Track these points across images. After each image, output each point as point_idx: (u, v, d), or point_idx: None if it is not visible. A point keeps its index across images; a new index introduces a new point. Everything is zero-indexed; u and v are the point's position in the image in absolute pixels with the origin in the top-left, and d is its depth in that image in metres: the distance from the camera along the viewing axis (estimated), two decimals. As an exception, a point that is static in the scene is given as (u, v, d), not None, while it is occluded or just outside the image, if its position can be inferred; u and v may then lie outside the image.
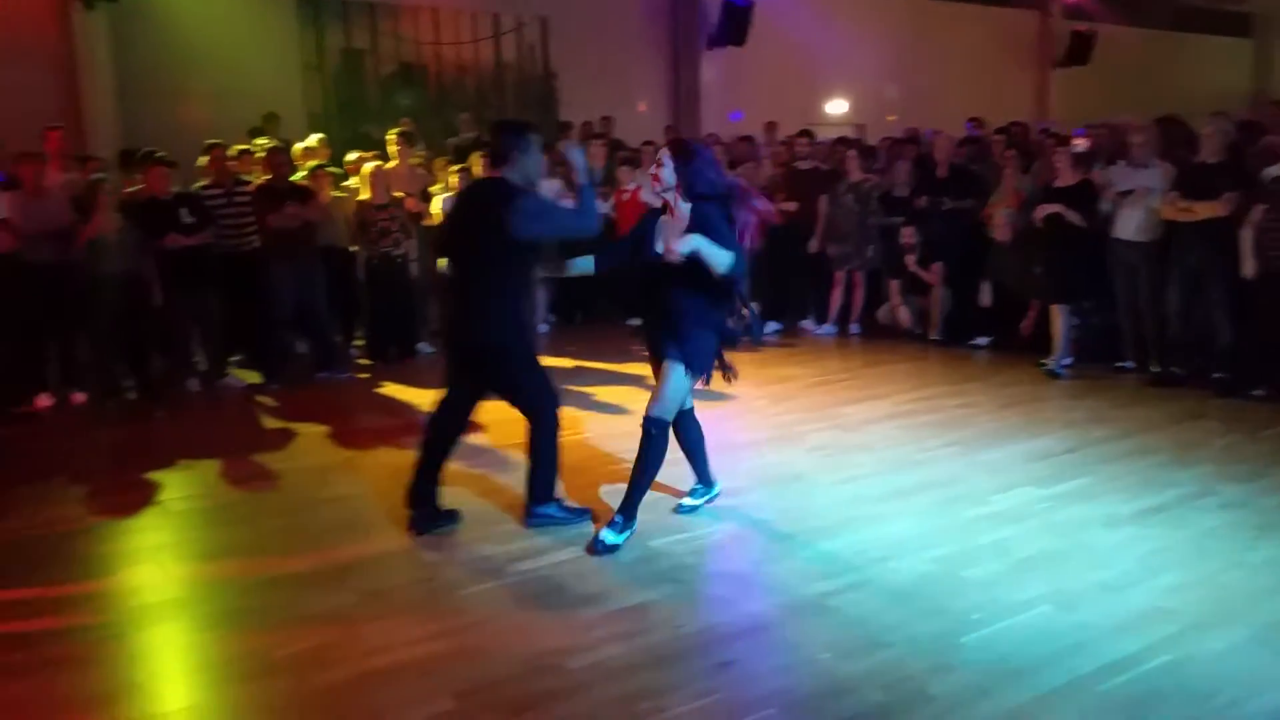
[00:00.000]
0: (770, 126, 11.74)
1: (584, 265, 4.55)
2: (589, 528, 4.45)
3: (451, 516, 4.61)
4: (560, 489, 4.60)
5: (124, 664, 3.41)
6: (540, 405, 4.42)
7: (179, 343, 7.45)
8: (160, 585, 4.03)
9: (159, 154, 7.29)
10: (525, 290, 4.42)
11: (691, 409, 4.64)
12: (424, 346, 8.61)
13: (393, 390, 7.41)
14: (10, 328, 6.65)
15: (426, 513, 4.53)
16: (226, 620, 3.70)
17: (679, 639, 3.45)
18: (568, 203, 4.86)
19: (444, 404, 4.55)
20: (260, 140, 8.86)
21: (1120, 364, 7.46)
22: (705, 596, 3.87)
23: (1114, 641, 3.38)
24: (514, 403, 4.45)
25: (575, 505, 4.63)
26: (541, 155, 4.61)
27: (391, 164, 8.59)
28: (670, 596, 3.79)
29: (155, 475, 5.43)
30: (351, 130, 11.69)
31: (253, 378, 7.71)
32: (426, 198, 8.74)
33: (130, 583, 4.07)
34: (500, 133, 4.45)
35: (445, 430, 4.57)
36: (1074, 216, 7.12)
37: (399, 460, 5.59)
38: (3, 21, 9.76)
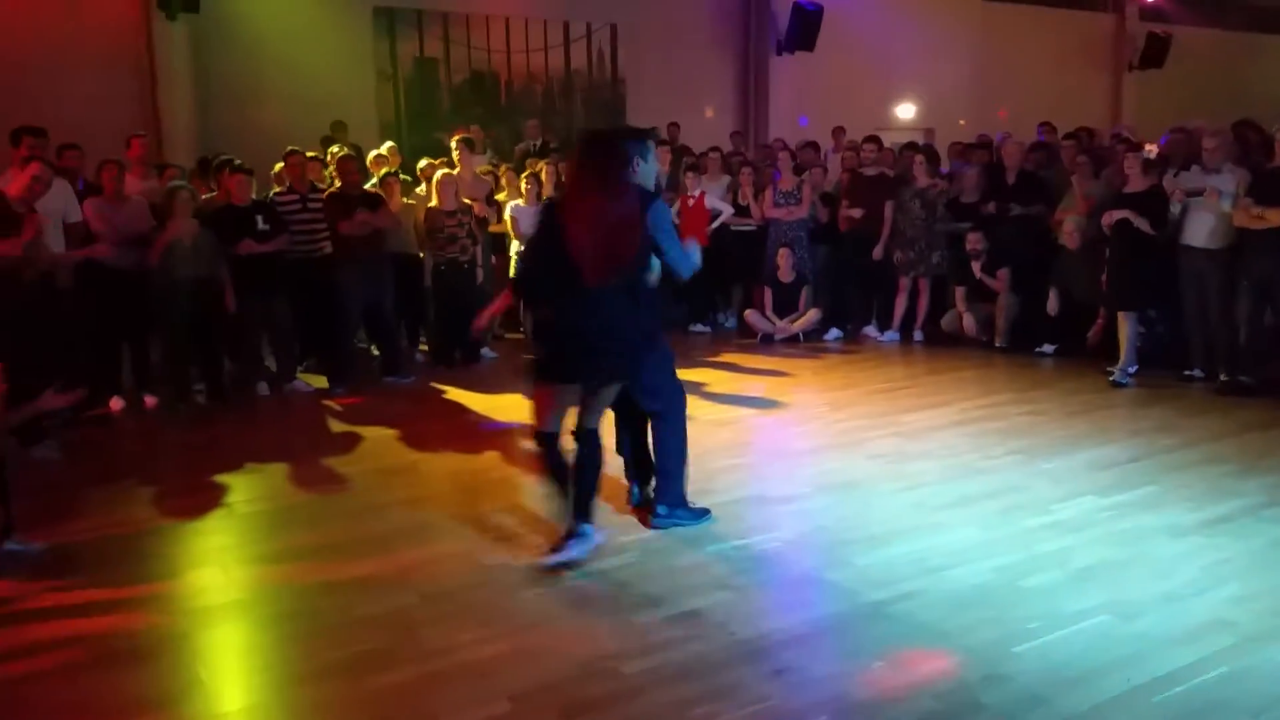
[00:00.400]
0: (838, 131, 11.70)
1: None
2: (655, 540, 4.48)
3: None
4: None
5: (187, 663, 3.50)
6: (668, 404, 4.54)
7: (250, 347, 7.65)
8: (224, 586, 4.14)
9: (237, 162, 7.52)
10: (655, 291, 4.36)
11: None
12: (487, 352, 8.74)
13: (457, 395, 7.53)
14: (87, 331, 6.85)
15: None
16: (288, 621, 3.79)
17: (733, 645, 3.48)
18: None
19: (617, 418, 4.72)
20: (333, 148, 9.08)
21: (1188, 372, 7.33)
22: (760, 603, 3.89)
23: (1171, 652, 3.34)
24: (642, 402, 4.55)
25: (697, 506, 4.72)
26: (657, 162, 4.60)
27: (457, 169, 8.74)
28: (725, 603, 3.82)
29: (223, 478, 5.57)
30: (423, 137, 11.92)
31: (320, 382, 7.89)
32: (491, 204, 8.88)
33: (195, 584, 4.18)
34: (617, 139, 4.30)
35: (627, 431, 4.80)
36: (1143, 223, 6.99)
37: (462, 464, 5.75)
38: (87, 32, 10.15)
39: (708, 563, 4.22)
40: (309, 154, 8.35)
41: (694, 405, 6.82)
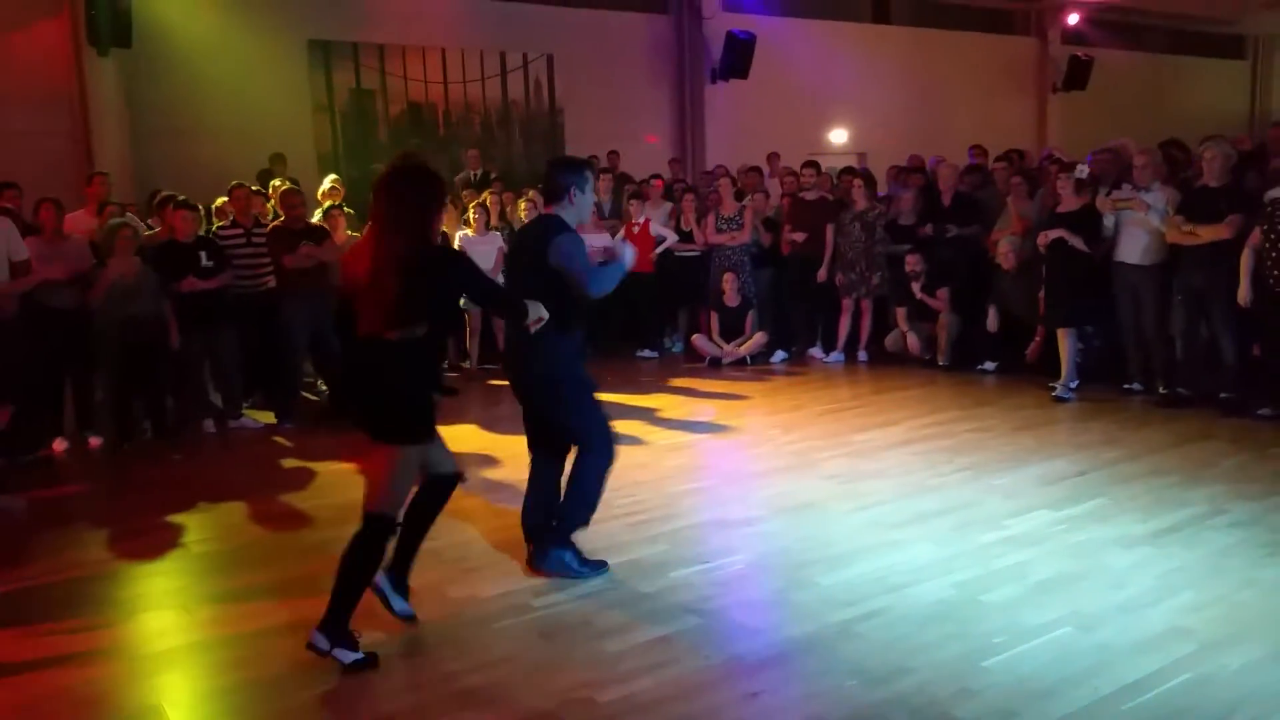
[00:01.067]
0: (773, 157, 11.89)
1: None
2: (618, 568, 4.44)
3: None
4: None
5: (148, 709, 3.42)
6: (590, 441, 4.40)
7: (195, 384, 7.52)
8: (185, 628, 4.07)
9: (181, 198, 7.42)
10: (573, 324, 4.29)
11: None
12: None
13: (409, 427, 7.45)
14: (28, 372, 6.67)
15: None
16: (251, 664, 3.72)
17: (706, 670, 3.50)
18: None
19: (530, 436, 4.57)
20: (274, 182, 9.00)
21: (1127, 386, 7.54)
22: (729, 627, 3.91)
23: (1134, 661, 3.43)
24: (565, 436, 4.46)
25: (590, 558, 4.47)
26: (593, 193, 4.57)
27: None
28: (694, 628, 3.85)
29: (176, 517, 5.47)
30: (361, 169, 11.85)
31: (267, 418, 7.79)
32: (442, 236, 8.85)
33: (153, 627, 4.09)
34: (555, 170, 4.38)
35: (542, 463, 4.58)
36: (1077, 241, 7.21)
37: (420, 497, 5.68)
38: (18, 68, 9.97)
39: (674, 588, 4.24)
40: (253, 188, 8.27)
41: (647, 431, 6.95)
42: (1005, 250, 8.18)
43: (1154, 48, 19.21)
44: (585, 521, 4.44)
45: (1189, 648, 3.52)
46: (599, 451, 4.39)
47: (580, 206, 4.34)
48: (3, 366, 6.15)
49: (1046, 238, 7.37)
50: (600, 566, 4.44)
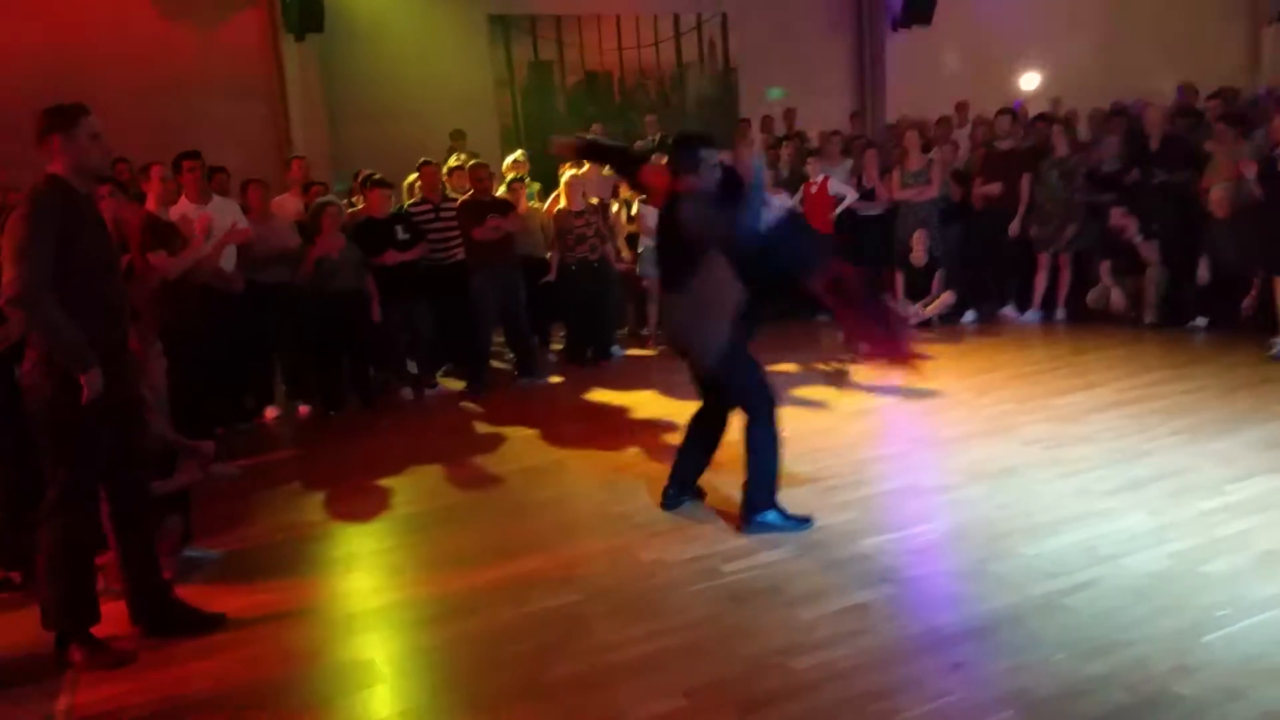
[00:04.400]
0: (962, 106, 11.38)
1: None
2: (808, 534, 4.42)
3: (698, 493, 4.88)
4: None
5: (367, 661, 3.62)
6: (756, 405, 4.46)
7: (394, 354, 7.88)
8: (398, 585, 4.28)
9: (378, 176, 7.77)
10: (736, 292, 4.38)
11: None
12: (617, 350, 8.81)
13: (590, 393, 7.62)
14: (243, 345, 7.16)
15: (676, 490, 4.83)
16: (462, 617, 3.89)
17: (904, 640, 3.43)
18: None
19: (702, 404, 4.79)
20: (451, 159, 9.27)
21: (1355, 341, 6.89)
22: (926, 596, 3.82)
23: (1378, 642, 3.16)
24: (731, 401, 4.53)
25: (795, 514, 4.53)
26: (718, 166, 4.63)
27: (584, 171, 8.83)
28: (890, 597, 3.77)
29: (382, 481, 5.75)
30: (541, 140, 12.03)
31: (459, 386, 8.09)
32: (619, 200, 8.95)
33: (368, 583, 4.34)
34: (677, 149, 4.63)
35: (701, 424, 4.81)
36: None
37: (605, 462, 5.80)
38: (219, 56, 10.57)
39: (867, 556, 4.16)
40: (450, 164, 8.56)
41: (830, 395, 6.85)
42: (1218, 197, 7.58)
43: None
44: (773, 482, 4.49)
45: None
46: (764, 416, 4.46)
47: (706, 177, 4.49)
48: (221, 339, 6.59)
49: (1253, 168, 6.79)
50: (805, 521, 4.49)
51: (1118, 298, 8.46)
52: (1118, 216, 8.24)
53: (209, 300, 6.37)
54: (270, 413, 7.49)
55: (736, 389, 4.50)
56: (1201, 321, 7.98)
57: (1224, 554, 3.88)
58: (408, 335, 7.86)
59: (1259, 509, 4.29)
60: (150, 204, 6.66)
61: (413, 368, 8.06)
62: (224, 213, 6.96)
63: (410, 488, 5.65)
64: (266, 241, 7.21)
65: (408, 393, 7.87)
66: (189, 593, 4.12)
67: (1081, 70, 14.40)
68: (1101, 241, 8.55)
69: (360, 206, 7.96)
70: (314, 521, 5.22)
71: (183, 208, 6.72)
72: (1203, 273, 7.83)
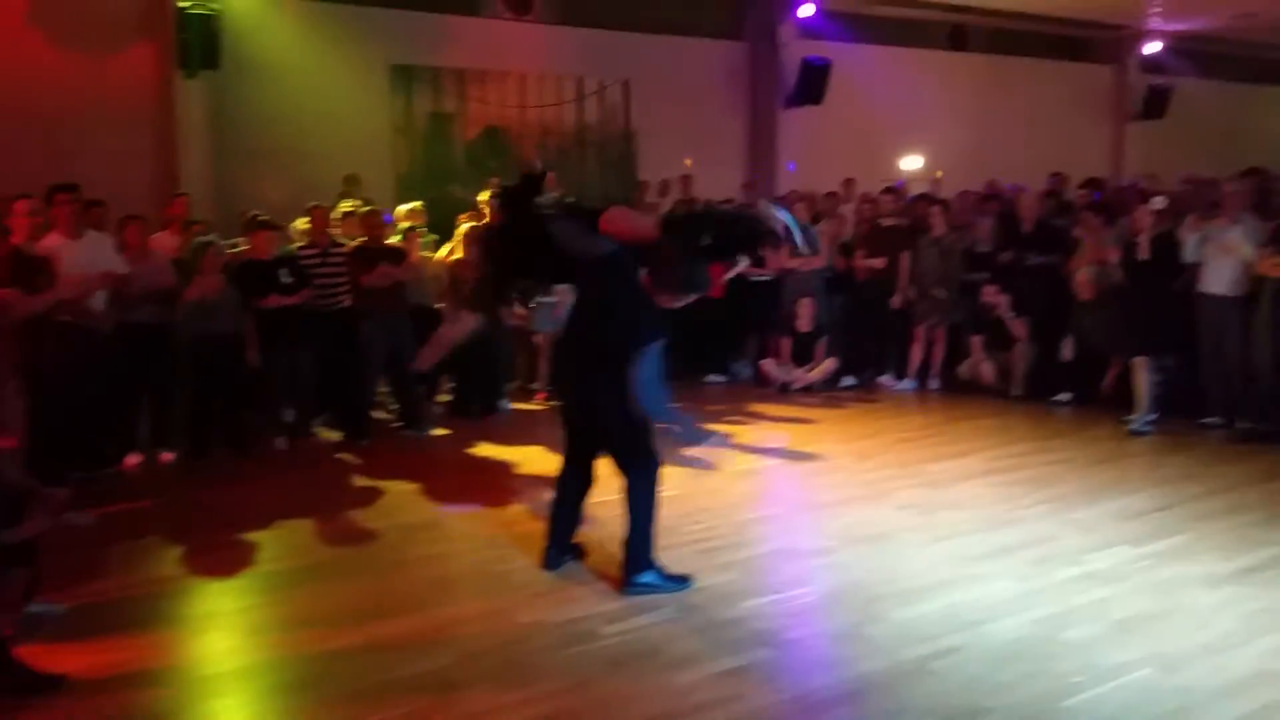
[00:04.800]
0: (849, 183, 11.80)
1: None
2: (688, 595, 4.41)
3: (579, 551, 4.87)
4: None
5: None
6: (640, 463, 4.45)
7: (270, 401, 7.65)
8: (256, 647, 4.08)
9: (264, 217, 7.60)
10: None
11: None
12: (505, 404, 8.75)
13: (476, 448, 7.51)
14: (106, 387, 6.77)
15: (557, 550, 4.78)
16: (322, 683, 3.72)
17: (779, 704, 3.45)
18: None
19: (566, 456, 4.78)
20: (345, 204, 9.15)
21: (1205, 420, 7.35)
22: (802, 660, 3.86)
23: (1220, 706, 3.33)
24: (615, 458, 4.52)
25: (676, 574, 4.53)
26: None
27: (483, 223, 8.80)
28: (767, 660, 3.80)
29: (247, 535, 5.50)
30: (436, 191, 12.02)
31: (337, 436, 7.89)
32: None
33: (224, 645, 4.12)
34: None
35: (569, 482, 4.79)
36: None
37: (488, 518, 5.71)
38: (109, 88, 10.27)
39: (746, 618, 4.19)
40: (342, 208, 8.44)
41: (716, 456, 6.90)
42: (1084, 280, 8.00)
43: (1234, 78, 18.74)
44: (652, 541, 4.47)
45: (1276, 693, 3.39)
46: (646, 475, 4.45)
47: None
48: (84, 380, 6.30)
49: (1116, 254, 7.25)
50: (686, 581, 4.50)
51: (988, 371, 8.83)
52: (990, 294, 8.63)
53: (73, 339, 6.08)
54: (132, 459, 7.11)
55: (621, 445, 4.48)
56: (1066, 396, 8.37)
57: (1082, 621, 4.04)
58: (287, 382, 7.65)
59: (1116, 578, 4.49)
60: (17, 237, 6.35)
61: (290, 416, 7.83)
62: (97, 248, 6.68)
63: (278, 542, 5.43)
64: (141, 280, 6.96)
65: (283, 441, 7.62)
66: (30, 651, 3.81)
67: (958, 155, 15.15)
68: (974, 317, 8.92)
69: (245, 248, 7.77)
70: (171, 576, 4.94)
71: (53, 242, 6.44)
72: (1067, 350, 8.23)
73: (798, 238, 4.63)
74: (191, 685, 3.77)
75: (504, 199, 4.79)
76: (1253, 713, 3.27)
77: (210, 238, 7.52)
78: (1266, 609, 4.11)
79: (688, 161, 13.54)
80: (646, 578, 4.45)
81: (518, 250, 4.79)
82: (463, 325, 5.84)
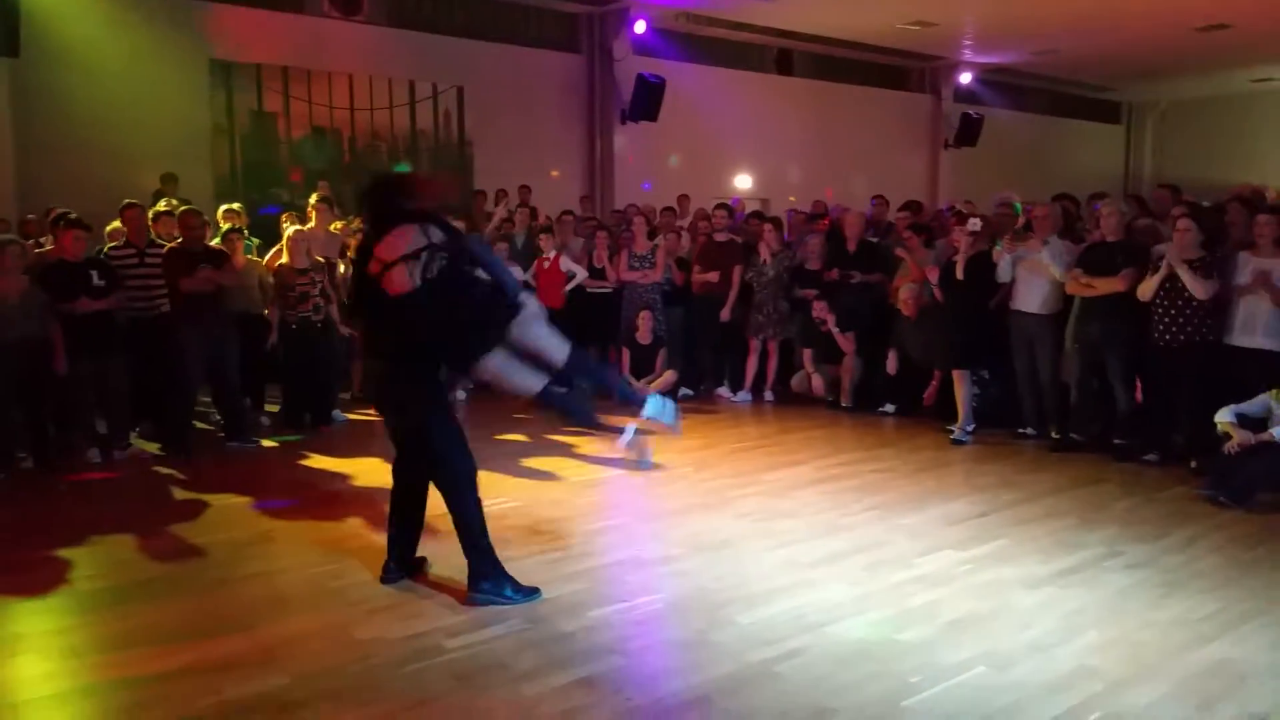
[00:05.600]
0: (683, 199, 12.02)
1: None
2: (534, 607, 4.36)
3: (421, 564, 4.77)
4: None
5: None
6: (451, 474, 4.40)
7: (80, 411, 7.14)
8: (75, 670, 3.80)
9: (73, 215, 7.06)
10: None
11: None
12: (338, 414, 8.45)
13: (307, 460, 7.23)
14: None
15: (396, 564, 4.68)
16: (149, 708, 3.50)
17: (629, 713, 3.43)
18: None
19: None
20: (159, 203, 8.67)
21: (1021, 430, 7.79)
22: (650, 667, 3.86)
23: (1048, 700, 3.50)
24: (427, 469, 4.48)
25: (523, 585, 4.46)
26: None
27: (309, 226, 8.51)
28: (617, 668, 3.78)
29: (59, 552, 5.13)
30: (259, 192, 11.54)
31: (155, 448, 7.45)
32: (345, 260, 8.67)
33: (32, 671, 3.82)
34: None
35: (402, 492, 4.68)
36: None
37: (322, 533, 5.49)
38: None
39: (593, 628, 4.16)
40: (159, 208, 7.97)
41: (560, 466, 6.89)
42: (906, 297, 8.39)
43: (1038, 109, 20.24)
44: (488, 547, 4.42)
45: (1098, 686, 3.61)
46: (461, 485, 4.40)
47: None
48: None
49: (935, 273, 7.74)
50: (533, 592, 4.43)
51: (818, 383, 9.14)
52: (819, 310, 8.93)
53: None
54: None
55: (432, 457, 4.42)
56: (890, 408, 8.75)
57: (916, 623, 4.19)
58: (99, 390, 7.13)
59: (945, 580, 4.69)
60: None
61: (103, 427, 7.32)
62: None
63: (94, 560, 5.07)
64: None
65: (95, 454, 7.11)
66: None
67: (789, 175, 15.72)
68: (804, 331, 9.22)
69: (50, 247, 7.22)
70: (-26, 597, 4.55)
71: None
72: (891, 364, 8.61)
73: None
74: (2, 712, 3.46)
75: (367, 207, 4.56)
76: (1079, 705, 3.46)
77: (10, 236, 6.96)
78: (1082, 608, 4.36)
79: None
80: (489, 585, 4.38)
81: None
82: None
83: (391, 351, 4.37)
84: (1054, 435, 7.52)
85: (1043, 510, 5.88)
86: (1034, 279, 7.39)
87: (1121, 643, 4.01)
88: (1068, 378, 7.39)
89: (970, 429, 7.76)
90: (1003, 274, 7.52)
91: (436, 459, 4.41)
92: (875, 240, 9.38)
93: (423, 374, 4.35)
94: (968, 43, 16.60)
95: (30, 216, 8.38)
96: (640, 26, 14.01)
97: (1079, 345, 7.14)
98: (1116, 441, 7.16)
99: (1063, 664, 3.80)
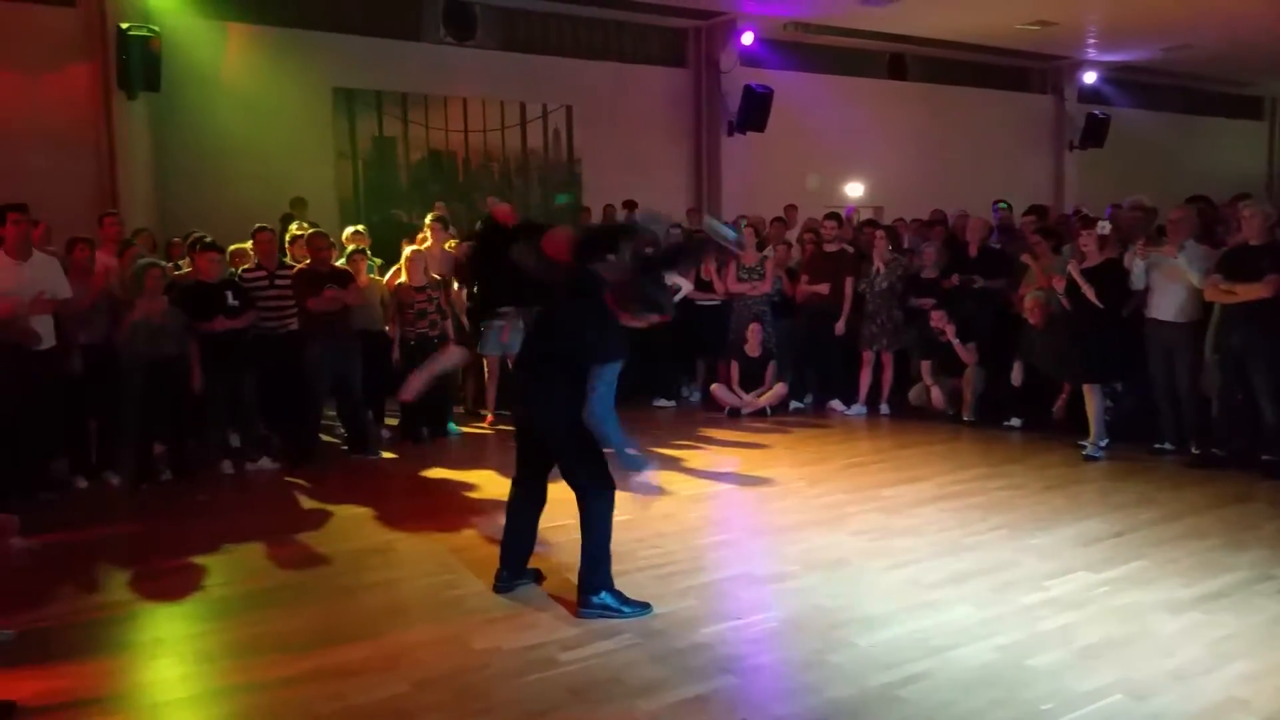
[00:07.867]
0: (790, 210, 11.88)
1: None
2: (647, 621, 4.34)
3: (535, 575, 4.80)
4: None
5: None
6: (595, 484, 4.39)
7: (215, 425, 7.46)
8: (209, 674, 3.96)
9: (209, 240, 7.42)
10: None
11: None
12: (454, 428, 8.61)
13: (425, 471, 7.38)
14: (51, 409, 6.61)
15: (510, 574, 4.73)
16: (272, 713, 3.61)
17: (746, 732, 3.38)
18: None
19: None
20: (291, 226, 8.99)
21: (1158, 445, 7.40)
22: (765, 688, 3.78)
23: (1192, 733, 3.30)
24: (570, 478, 4.45)
25: (635, 599, 4.46)
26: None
27: (426, 245, 8.72)
28: (730, 687, 3.72)
29: (195, 560, 5.37)
30: (381, 214, 11.88)
31: (283, 461, 7.69)
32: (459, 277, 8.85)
33: (176, 671, 4.00)
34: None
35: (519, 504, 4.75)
36: (1089, 290, 7.17)
37: (440, 543, 5.59)
38: (49, 110, 10.04)
39: (706, 645, 4.10)
40: (293, 231, 8.30)
41: (670, 480, 6.83)
42: (1032, 305, 8.09)
43: (1172, 107, 19.34)
44: (608, 562, 4.43)
45: (1248, 720, 3.38)
46: (602, 496, 4.40)
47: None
48: (28, 403, 6.07)
49: (1061, 283, 7.34)
50: (645, 607, 4.41)
51: (937, 396, 8.87)
52: (937, 320, 8.68)
53: (15, 362, 5.87)
54: (78, 483, 6.94)
55: (579, 466, 4.41)
56: (1016, 422, 8.43)
57: (1047, 648, 4.00)
58: (231, 405, 7.45)
59: (1078, 604, 4.47)
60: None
61: (235, 440, 7.62)
62: (45, 270, 6.46)
63: (226, 568, 5.27)
64: (82, 301, 6.75)
65: (228, 466, 7.43)
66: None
67: (902, 182, 15.39)
68: (922, 342, 8.98)
69: (187, 270, 7.57)
70: (119, 602, 4.80)
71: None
72: (1016, 375, 8.30)
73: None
74: (143, 713, 3.63)
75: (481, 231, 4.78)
76: (1224, 740, 3.26)
77: (152, 259, 7.36)
78: (1230, 635, 4.10)
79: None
80: (602, 598, 4.38)
81: (494, 275, 4.75)
82: (452, 356, 5.84)
83: (549, 358, 4.43)
84: (1194, 450, 7.12)
85: (1184, 530, 5.56)
86: (1170, 285, 7.03)
87: (1275, 674, 3.74)
88: (1208, 390, 7.00)
89: (1103, 444, 7.39)
90: (1137, 280, 7.19)
91: (583, 467, 4.40)
92: (998, 246, 9.08)
93: (578, 376, 4.34)
94: (1091, 41, 16.02)
95: (175, 240, 8.79)
96: (748, 38, 13.96)
97: (1220, 356, 6.75)
98: (1265, 458, 6.74)
99: (1209, 695, 3.57)
